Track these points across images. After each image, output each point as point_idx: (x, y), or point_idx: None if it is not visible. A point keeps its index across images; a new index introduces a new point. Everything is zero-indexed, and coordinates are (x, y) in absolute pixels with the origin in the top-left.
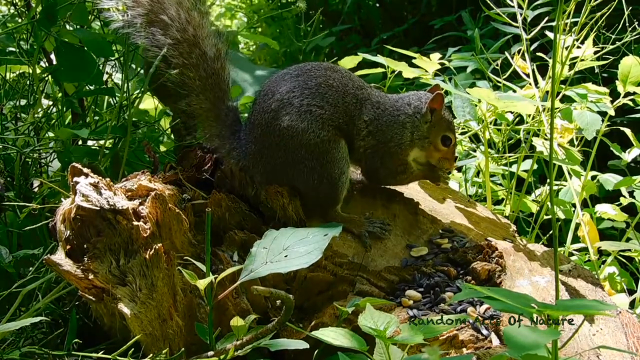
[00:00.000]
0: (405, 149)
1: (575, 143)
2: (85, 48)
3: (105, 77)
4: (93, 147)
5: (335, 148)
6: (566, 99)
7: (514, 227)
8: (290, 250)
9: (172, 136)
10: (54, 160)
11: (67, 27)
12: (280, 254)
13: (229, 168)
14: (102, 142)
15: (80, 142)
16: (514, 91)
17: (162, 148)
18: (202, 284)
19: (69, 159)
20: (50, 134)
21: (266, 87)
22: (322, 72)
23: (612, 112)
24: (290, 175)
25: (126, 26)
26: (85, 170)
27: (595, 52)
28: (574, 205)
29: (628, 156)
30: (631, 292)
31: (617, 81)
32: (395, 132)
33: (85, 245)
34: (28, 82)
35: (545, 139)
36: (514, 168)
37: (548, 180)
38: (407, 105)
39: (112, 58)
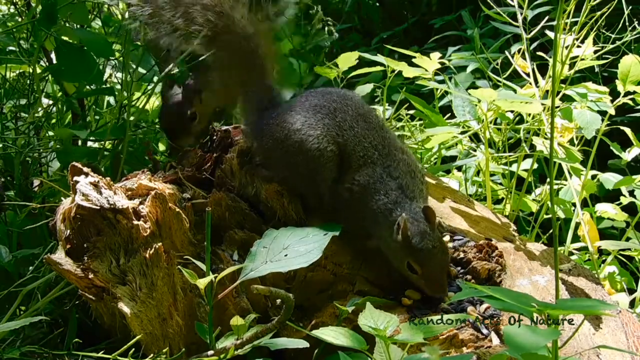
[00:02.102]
0: (375, 236)
1: (576, 142)
2: (86, 48)
3: (106, 76)
4: (93, 148)
5: (331, 169)
6: (566, 98)
7: (514, 227)
8: (290, 249)
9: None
10: (54, 159)
11: (68, 25)
12: (280, 253)
13: (229, 167)
14: (102, 142)
15: (80, 143)
16: (514, 90)
17: (162, 147)
18: (202, 283)
19: (68, 158)
20: (51, 134)
21: (308, 93)
22: (354, 115)
23: (612, 112)
24: (283, 173)
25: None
26: (85, 169)
27: (596, 52)
28: (574, 205)
29: (628, 155)
30: (631, 291)
31: (617, 80)
32: (365, 220)
33: (85, 245)
34: (28, 82)
35: (546, 138)
36: (514, 167)
37: (548, 180)
38: (390, 211)
39: (113, 58)
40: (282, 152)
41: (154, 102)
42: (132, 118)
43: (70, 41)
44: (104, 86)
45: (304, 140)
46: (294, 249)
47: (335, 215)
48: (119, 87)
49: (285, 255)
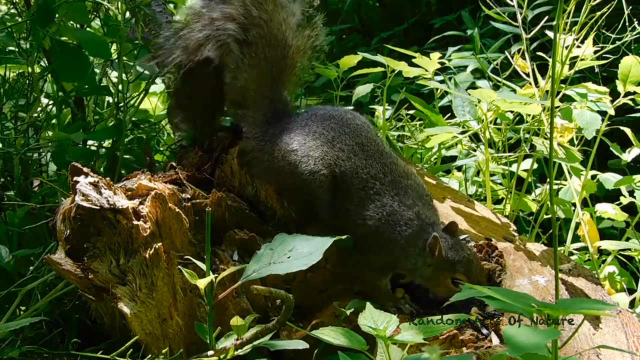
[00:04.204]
0: (395, 268)
1: (575, 142)
2: (81, 48)
3: (101, 75)
4: (88, 148)
5: (322, 194)
6: (566, 98)
7: (513, 227)
8: (294, 251)
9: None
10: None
11: (66, 25)
12: (284, 255)
13: (229, 167)
14: (99, 142)
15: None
16: (514, 90)
17: (162, 148)
18: (202, 283)
19: (63, 159)
20: (50, 133)
21: (309, 116)
22: (351, 145)
23: (612, 112)
24: (281, 193)
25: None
26: (85, 169)
27: (595, 52)
28: (574, 205)
29: (628, 156)
30: (631, 291)
31: (617, 80)
32: (395, 253)
33: (85, 245)
34: (27, 82)
35: (545, 139)
36: (514, 167)
37: (548, 180)
38: (417, 240)
39: (111, 59)
40: (277, 170)
41: (155, 102)
42: (133, 118)
43: (66, 41)
44: (100, 86)
45: (297, 162)
46: (298, 250)
47: (360, 250)
48: (118, 86)
49: (289, 257)
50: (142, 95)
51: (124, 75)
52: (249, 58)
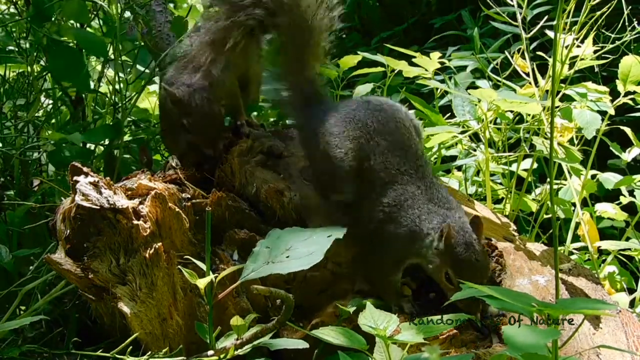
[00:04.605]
0: (408, 255)
1: (575, 142)
2: (76, 47)
3: (97, 75)
4: (88, 148)
5: (344, 181)
6: (566, 98)
7: (513, 226)
8: (292, 250)
9: None
10: None
11: (68, 24)
12: (282, 254)
13: (229, 167)
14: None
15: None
16: (514, 90)
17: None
18: (202, 283)
19: (60, 159)
20: (49, 132)
21: (360, 102)
22: (392, 142)
23: (612, 111)
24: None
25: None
26: (85, 169)
27: (595, 51)
28: (573, 204)
29: (628, 155)
30: (631, 291)
31: (617, 80)
32: (404, 236)
33: (85, 244)
34: (27, 81)
35: (545, 138)
36: (514, 167)
37: (548, 179)
38: (429, 220)
39: (108, 58)
40: (315, 145)
41: (154, 101)
42: (133, 117)
43: (63, 40)
44: (95, 85)
45: (334, 145)
46: (297, 250)
47: (374, 241)
48: (117, 86)
49: (287, 257)
50: (139, 94)
51: (122, 74)
52: (277, 41)
